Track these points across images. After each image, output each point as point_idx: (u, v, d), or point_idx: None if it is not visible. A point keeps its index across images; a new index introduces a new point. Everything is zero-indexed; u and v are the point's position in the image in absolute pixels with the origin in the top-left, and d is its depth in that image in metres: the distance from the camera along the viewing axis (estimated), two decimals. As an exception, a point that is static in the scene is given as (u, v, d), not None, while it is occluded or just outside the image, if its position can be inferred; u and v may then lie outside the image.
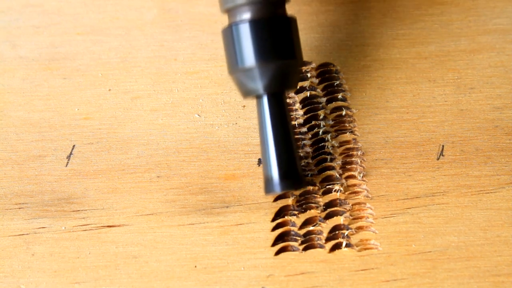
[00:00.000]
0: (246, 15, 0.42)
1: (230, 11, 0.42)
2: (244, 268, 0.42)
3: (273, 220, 0.43)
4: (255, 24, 0.41)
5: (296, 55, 0.42)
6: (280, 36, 0.41)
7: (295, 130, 0.45)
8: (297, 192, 0.44)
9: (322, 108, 0.46)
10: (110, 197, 0.44)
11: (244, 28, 0.41)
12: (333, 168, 0.44)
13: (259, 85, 0.41)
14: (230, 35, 0.42)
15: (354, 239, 0.43)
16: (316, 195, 0.44)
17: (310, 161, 0.45)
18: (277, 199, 0.44)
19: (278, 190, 0.41)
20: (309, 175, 0.44)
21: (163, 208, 0.43)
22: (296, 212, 0.43)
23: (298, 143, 0.45)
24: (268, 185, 0.41)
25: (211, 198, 0.43)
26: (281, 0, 0.42)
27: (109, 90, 0.46)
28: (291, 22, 0.42)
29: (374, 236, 0.43)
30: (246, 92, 0.42)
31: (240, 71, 0.41)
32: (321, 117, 0.46)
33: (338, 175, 0.44)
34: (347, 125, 0.45)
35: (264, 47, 0.41)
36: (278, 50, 0.41)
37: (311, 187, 0.44)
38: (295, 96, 0.46)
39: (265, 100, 0.42)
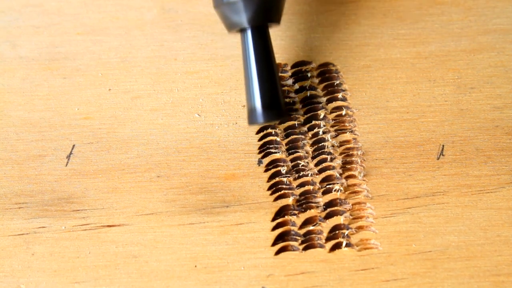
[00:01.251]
0: None
1: None
2: (244, 267, 0.42)
3: (273, 219, 0.43)
4: None
5: None
6: None
7: (295, 130, 0.45)
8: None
9: (322, 108, 0.46)
10: (110, 197, 0.44)
11: None
12: (333, 168, 0.44)
13: (243, 18, 0.42)
14: None
15: (354, 239, 0.43)
16: (316, 195, 0.44)
17: (310, 161, 0.45)
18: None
19: (261, 120, 0.42)
20: (309, 175, 0.44)
21: (163, 208, 0.43)
22: (296, 212, 0.43)
23: (298, 143, 0.45)
24: (251, 116, 0.42)
25: (211, 198, 0.43)
26: None
27: (109, 89, 0.46)
28: None
29: (374, 235, 0.42)
30: (230, 26, 0.43)
31: (224, 4, 0.42)
32: (321, 117, 0.46)
33: (338, 175, 0.44)
34: (347, 125, 0.45)
35: None
36: None
37: (311, 187, 0.44)
38: (295, 96, 0.46)
39: (249, 33, 0.43)
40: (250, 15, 0.42)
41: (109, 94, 0.46)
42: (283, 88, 0.46)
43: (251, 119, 0.42)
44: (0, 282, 0.42)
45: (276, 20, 0.43)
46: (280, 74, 0.47)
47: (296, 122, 0.45)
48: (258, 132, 0.45)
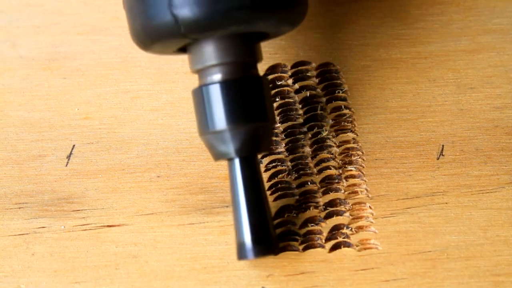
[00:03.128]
0: (217, 76, 0.40)
1: (200, 72, 0.41)
2: (244, 267, 0.42)
3: (273, 219, 0.43)
4: (225, 85, 0.40)
5: (268, 117, 0.40)
6: (252, 97, 0.40)
7: (295, 130, 0.45)
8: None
9: (322, 108, 0.46)
10: (110, 197, 0.44)
11: (215, 90, 0.40)
12: (333, 167, 0.44)
13: (230, 148, 0.40)
14: (200, 96, 0.40)
15: (354, 239, 0.43)
16: (316, 195, 0.44)
17: (310, 161, 0.45)
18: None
19: (251, 256, 0.40)
20: (309, 175, 0.44)
21: (163, 208, 0.43)
22: (296, 212, 0.43)
23: (298, 143, 0.45)
24: (240, 251, 0.41)
25: (211, 198, 0.43)
26: (252, 60, 0.41)
27: (109, 89, 0.46)
28: (262, 83, 0.41)
29: (374, 235, 0.43)
30: (217, 155, 0.41)
31: (210, 133, 0.40)
32: (321, 116, 0.46)
33: (338, 175, 0.44)
34: (347, 124, 0.45)
35: (235, 109, 0.40)
36: (250, 112, 0.40)
37: (311, 186, 0.44)
38: (295, 96, 0.46)
39: (236, 163, 0.40)
40: (238, 145, 0.40)
41: (109, 94, 0.46)
42: (283, 88, 0.46)
43: (241, 255, 0.41)
44: (0, 282, 0.42)
45: (266, 149, 0.42)
46: (280, 74, 0.47)
47: (296, 123, 0.45)
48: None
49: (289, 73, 0.47)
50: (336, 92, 0.46)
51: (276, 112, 0.46)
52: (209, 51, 0.40)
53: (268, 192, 0.44)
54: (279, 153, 0.45)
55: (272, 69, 0.47)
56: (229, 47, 0.40)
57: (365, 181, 0.44)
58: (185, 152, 0.45)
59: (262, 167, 0.44)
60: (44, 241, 0.43)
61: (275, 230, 0.42)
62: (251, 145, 0.40)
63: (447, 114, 0.45)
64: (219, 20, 0.39)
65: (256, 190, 0.41)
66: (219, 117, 0.40)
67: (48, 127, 0.46)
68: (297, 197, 0.44)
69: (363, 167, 0.44)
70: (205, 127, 0.40)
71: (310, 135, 0.45)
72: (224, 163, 0.44)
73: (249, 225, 0.40)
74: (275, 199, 0.44)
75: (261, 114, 0.40)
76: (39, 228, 0.43)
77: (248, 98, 0.40)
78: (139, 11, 0.40)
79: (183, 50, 0.42)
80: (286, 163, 0.45)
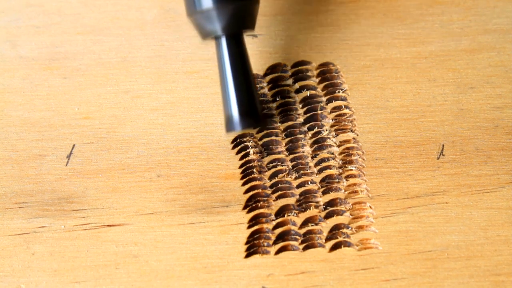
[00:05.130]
0: None
1: None
2: (244, 267, 0.42)
3: (273, 219, 0.43)
4: None
5: None
6: None
7: (295, 129, 0.45)
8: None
9: (322, 107, 0.46)
10: (110, 197, 0.44)
11: None
12: (333, 167, 0.44)
13: (217, 26, 0.42)
14: None
15: (354, 239, 0.43)
16: (316, 195, 0.44)
17: (310, 160, 0.45)
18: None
19: (238, 128, 0.42)
20: (309, 175, 0.44)
21: (163, 208, 0.43)
22: (296, 211, 0.43)
23: (298, 143, 0.45)
24: (228, 124, 0.42)
25: (211, 197, 0.43)
26: None
27: (109, 89, 0.46)
28: None
29: (374, 235, 0.43)
30: (205, 34, 0.43)
31: (198, 13, 0.42)
32: (321, 116, 0.46)
33: (338, 175, 0.44)
34: (347, 124, 0.45)
35: None
36: None
37: (312, 186, 0.44)
38: (296, 95, 0.46)
39: (223, 41, 0.42)
40: (224, 23, 0.42)
41: (109, 94, 0.46)
42: (283, 88, 0.46)
43: (228, 127, 0.42)
44: (0, 282, 0.42)
45: (251, 26, 0.43)
46: (280, 74, 0.47)
47: (296, 122, 0.46)
48: (258, 132, 0.45)
49: (289, 72, 0.47)
50: (336, 91, 0.46)
51: (276, 112, 0.46)
52: None
53: (269, 192, 0.44)
54: (279, 152, 0.45)
55: (272, 69, 0.47)
56: None
57: (365, 180, 0.44)
58: (185, 151, 0.45)
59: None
60: (44, 241, 0.43)
61: (261, 105, 0.43)
62: (236, 23, 0.42)
63: (447, 114, 0.45)
64: None
65: (242, 66, 0.42)
66: None
67: (48, 126, 0.46)
68: (297, 196, 0.44)
69: (363, 167, 0.44)
70: (193, 7, 0.42)
71: (310, 135, 0.45)
72: (224, 163, 0.44)
73: (236, 99, 0.42)
74: (275, 199, 0.44)
75: None
76: (39, 227, 0.43)
77: None
78: None
79: None
80: (286, 162, 0.45)
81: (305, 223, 0.43)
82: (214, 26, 0.42)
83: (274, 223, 0.43)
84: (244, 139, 0.45)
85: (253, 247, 0.42)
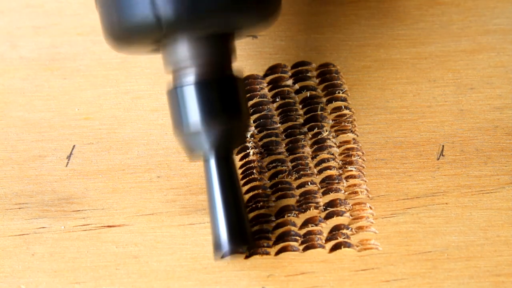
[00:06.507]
0: (191, 77, 0.40)
1: (174, 73, 0.41)
2: (244, 268, 0.42)
3: (273, 220, 0.43)
4: (200, 86, 0.40)
5: (242, 116, 0.40)
6: (226, 98, 0.40)
7: (295, 130, 0.45)
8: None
9: (323, 108, 0.46)
10: (110, 197, 0.44)
11: (189, 91, 0.40)
12: (333, 168, 0.44)
13: (205, 148, 0.40)
14: (175, 97, 0.41)
15: (354, 239, 0.43)
16: (316, 195, 0.44)
17: (310, 161, 0.45)
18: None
19: (227, 255, 0.41)
20: (309, 175, 0.44)
21: (163, 208, 0.43)
22: (296, 212, 0.43)
23: (299, 143, 0.45)
24: (217, 250, 0.41)
25: (211, 198, 0.43)
26: (227, 60, 0.41)
27: (110, 90, 0.46)
28: (237, 82, 0.41)
29: (374, 236, 0.43)
30: (193, 156, 0.41)
31: (185, 134, 0.40)
32: (321, 117, 0.46)
33: (338, 175, 0.44)
34: (347, 125, 0.45)
35: (210, 110, 0.40)
36: (224, 113, 0.40)
37: (312, 186, 0.44)
38: (296, 96, 0.46)
39: (212, 163, 0.40)
40: (212, 146, 0.40)
41: (109, 95, 0.46)
42: (283, 89, 0.46)
43: (217, 253, 0.41)
44: (0, 283, 0.42)
45: (240, 145, 0.42)
46: (280, 75, 0.47)
47: (296, 123, 0.46)
48: (258, 133, 0.45)
49: (290, 73, 0.47)
50: (336, 92, 0.46)
51: (276, 113, 0.46)
52: (184, 52, 0.40)
53: (269, 192, 0.44)
54: (279, 153, 0.45)
55: (272, 69, 0.47)
56: (204, 47, 0.40)
57: (365, 181, 0.44)
58: (185, 152, 0.45)
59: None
60: (44, 242, 0.43)
61: (250, 228, 0.42)
62: (226, 146, 0.40)
63: (447, 115, 0.45)
64: (201, 19, 0.39)
65: (232, 189, 0.41)
66: (194, 118, 0.40)
67: (49, 127, 0.46)
68: (297, 197, 0.44)
69: (363, 168, 0.44)
70: (180, 128, 0.40)
71: (310, 136, 0.45)
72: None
73: (225, 224, 0.40)
74: (275, 200, 0.44)
75: (235, 114, 0.40)
76: (39, 228, 0.43)
77: (222, 98, 0.40)
78: (116, 9, 0.40)
79: (156, 50, 0.42)
80: (286, 163, 0.45)
81: (305, 223, 0.43)
82: (202, 149, 0.40)
83: (274, 223, 0.43)
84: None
85: (253, 247, 0.42)
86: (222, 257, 0.41)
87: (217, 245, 0.41)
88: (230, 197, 0.40)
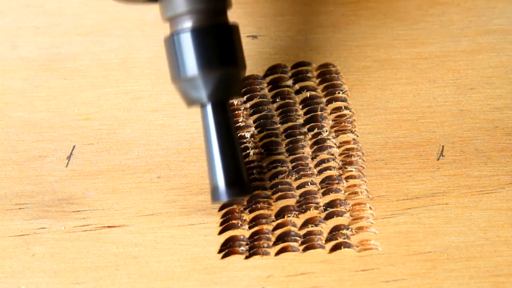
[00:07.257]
0: (187, 24, 0.41)
1: (171, 20, 0.42)
2: (244, 268, 0.42)
3: (273, 220, 0.43)
4: (196, 33, 0.41)
5: (238, 62, 0.41)
6: (222, 44, 0.41)
7: (295, 131, 0.45)
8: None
9: (322, 108, 0.46)
10: (110, 198, 0.44)
11: (186, 38, 0.41)
12: (333, 168, 0.44)
13: (202, 94, 0.41)
14: (172, 45, 0.41)
15: (354, 240, 0.43)
16: (316, 196, 0.44)
17: (310, 161, 0.45)
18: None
19: (224, 198, 0.41)
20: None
21: (164, 209, 0.43)
22: (296, 213, 0.43)
23: (299, 144, 0.45)
24: (214, 194, 0.41)
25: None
26: (222, 8, 0.42)
27: (110, 90, 0.46)
28: (232, 30, 0.42)
29: (374, 236, 0.43)
30: (190, 101, 0.42)
31: (182, 80, 0.41)
32: (321, 117, 0.46)
33: (338, 176, 0.44)
34: (347, 125, 0.45)
35: (206, 56, 0.41)
36: (220, 58, 0.41)
37: (312, 187, 0.44)
38: (296, 96, 0.46)
39: (209, 109, 0.41)
40: (209, 91, 0.41)
41: (109, 95, 0.46)
42: (283, 89, 0.46)
43: (215, 197, 0.41)
44: (0, 283, 0.42)
45: (237, 93, 0.42)
46: (280, 75, 0.47)
47: (296, 123, 0.46)
48: (258, 133, 0.45)
49: (290, 73, 0.47)
50: (336, 92, 0.46)
51: (276, 113, 0.46)
52: None
53: (269, 193, 0.44)
54: (279, 153, 0.45)
55: (272, 69, 0.47)
56: None
57: (365, 181, 0.44)
58: (185, 153, 0.45)
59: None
60: (45, 242, 0.43)
61: (247, 173, 0.42)
62: (222, 91, 0.41)
63: (447, 115, 0.45)
64: None
65: (228, 134, 0.41)
66: (191, 64, 0.41)
67: (49, 128, 0.46)
68: (298, 197, 0.44)
69: (363, 168, 0.44)
70: (178, 75, 0.41)
71: (310, 136, 0.45)
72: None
73: (222, 169, 0.41)
74: (275, 200, 0.44)
75: (231, 60, 0.41)
76: (39, 228, 0.43)
77: (218, 44, 0.41)
78: None
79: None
80: (286, 163, 0.45)
81: (305, 224, 0.43)
82: (199, 94, 0.41)
83: (274, 224, 0.43)
84: (244, 140, 0.45)
85: (253, 248, 0.42)
86: (219, 199, 0.41)
87: (213, 188, 0.41)
88: (226, 141, 0.41)
